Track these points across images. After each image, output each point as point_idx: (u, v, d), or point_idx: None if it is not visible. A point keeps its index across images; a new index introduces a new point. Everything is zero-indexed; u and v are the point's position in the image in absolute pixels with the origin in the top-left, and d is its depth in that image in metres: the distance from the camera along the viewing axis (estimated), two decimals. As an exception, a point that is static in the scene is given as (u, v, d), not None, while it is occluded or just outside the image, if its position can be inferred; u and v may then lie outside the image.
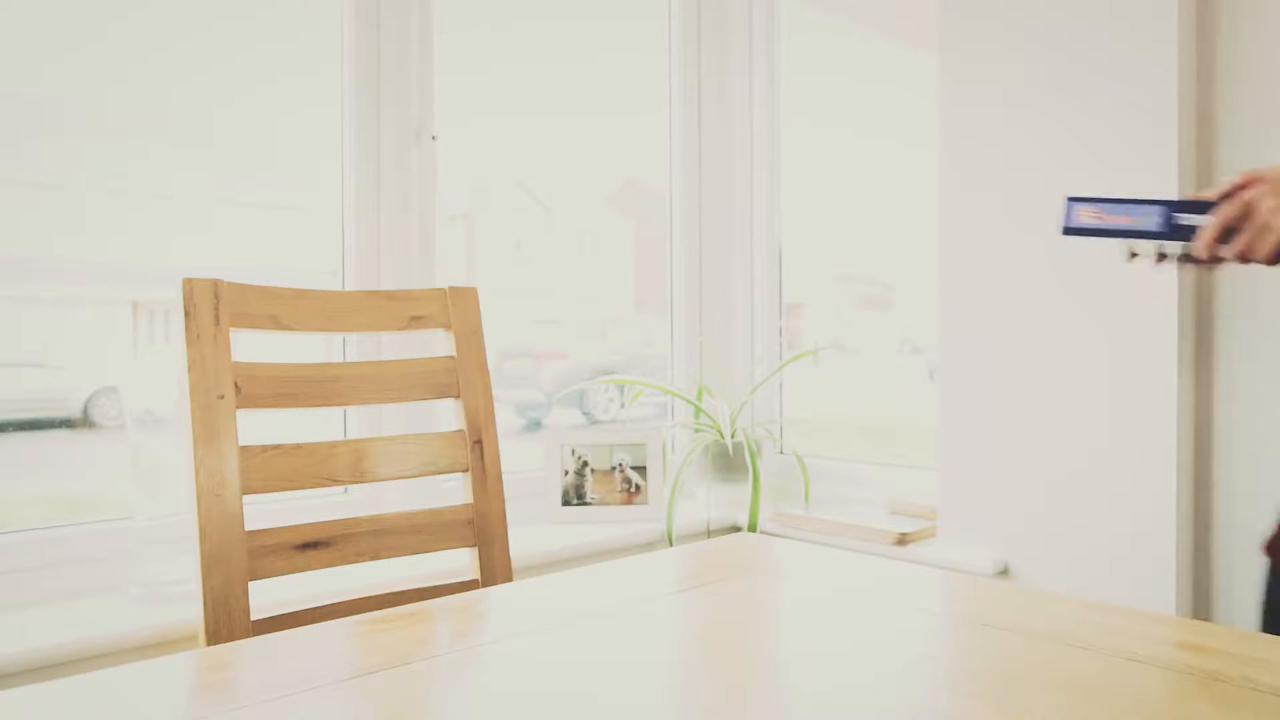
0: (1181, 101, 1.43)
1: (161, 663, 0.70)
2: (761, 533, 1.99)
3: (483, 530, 1.18)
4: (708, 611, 0.77)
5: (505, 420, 1.24)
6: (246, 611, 1.01)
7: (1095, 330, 1.50)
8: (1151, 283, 1.45)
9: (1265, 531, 1.40)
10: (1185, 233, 0.93)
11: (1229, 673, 0.64)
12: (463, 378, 1.21)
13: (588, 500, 1.90)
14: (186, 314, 1.02)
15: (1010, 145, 1.60)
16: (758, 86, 2.25)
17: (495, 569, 1.18)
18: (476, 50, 1.90)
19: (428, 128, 1.69)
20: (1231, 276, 1.46)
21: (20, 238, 1.41)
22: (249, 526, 1.02)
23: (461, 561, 1.21)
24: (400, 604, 0.85)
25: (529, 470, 1.91)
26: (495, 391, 1.25)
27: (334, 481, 1.12)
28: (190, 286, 1.03)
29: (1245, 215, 0.89)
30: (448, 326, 1.22)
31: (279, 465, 1.08)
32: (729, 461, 2.13)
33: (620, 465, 1.92)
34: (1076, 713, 0.57)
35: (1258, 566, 1.43)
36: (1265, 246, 0.88)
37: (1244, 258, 0.90)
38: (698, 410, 2.08)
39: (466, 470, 1.19)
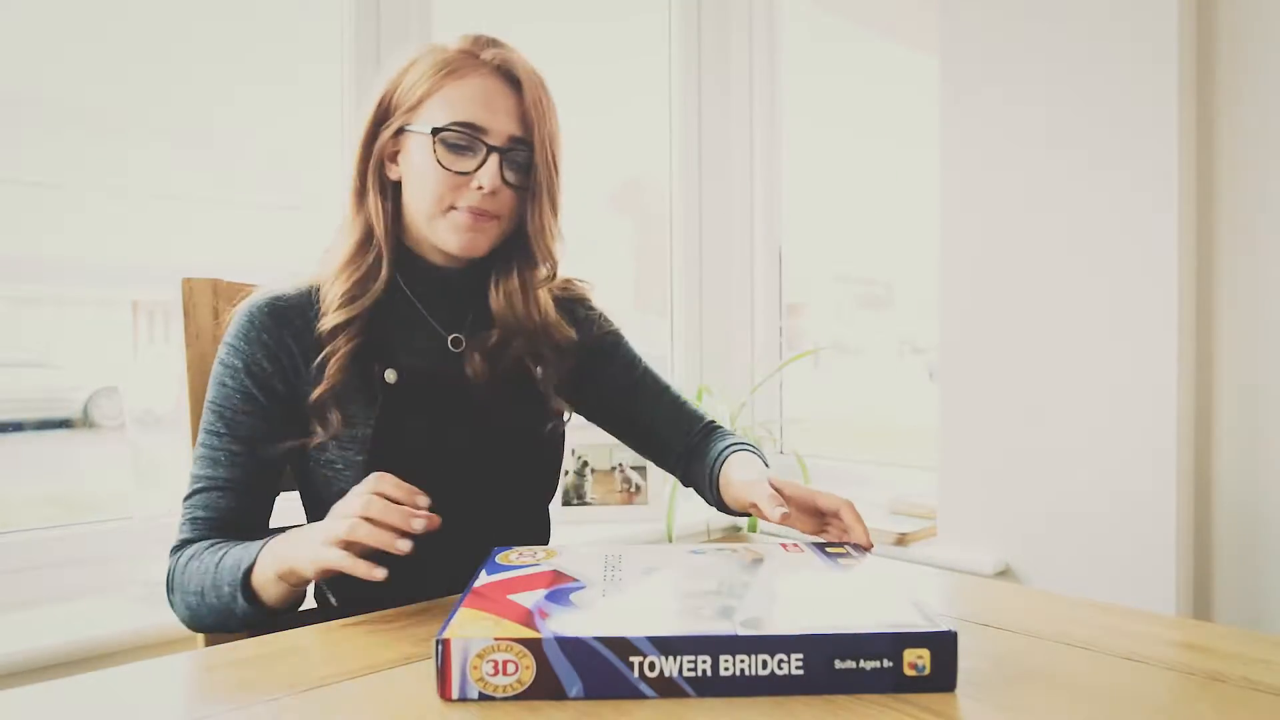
0: (1182, 101, 1.43)
1: (161, 663, 0.70)
2: (761, 532, 1.99)
3: (483, 530, 1.18)
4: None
5: (505, 420, 1.23)
6: (246, 611, 1.01)
7: (1095, 330, 1.50)
8: (1151, 283, 1.45)
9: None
10: None
11: (1229, 673, 0.64)
12: (463, 378, 1.21)
13: (588, 500, 1.90)
14: (186, 313, 1.02)
15: (1010, 145, 1.60)
16: (758, 86, 2.25)
17: (495, 569, 1.18)
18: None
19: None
20: (1232, 278, 1.46)
21: (20, 238, 1.41)
22: (249, 526, 1.02)
23: (461, 561, 1.20)
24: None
25: (529, 470, 1.90)
26: (495, 391, 1.24)
27: (334, 481, 1.11)
28: (190, 286, 1.03)
29: None
30: (448, 326, 1.21)
31: (279, 465, 1.07)
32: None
33: (620, 465, 1.92)
34: (1076, 713, 0.57)
35: (1258, 566, 1.44)
36: None
37: None
38: (698, 410, 2.07)
39: (466, 470, 1.19)
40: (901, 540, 1.74)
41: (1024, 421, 1.59)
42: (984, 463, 1.64)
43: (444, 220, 0.97)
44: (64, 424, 1.60)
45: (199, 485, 0.94)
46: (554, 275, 1.06)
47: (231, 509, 0.94)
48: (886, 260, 2.45)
